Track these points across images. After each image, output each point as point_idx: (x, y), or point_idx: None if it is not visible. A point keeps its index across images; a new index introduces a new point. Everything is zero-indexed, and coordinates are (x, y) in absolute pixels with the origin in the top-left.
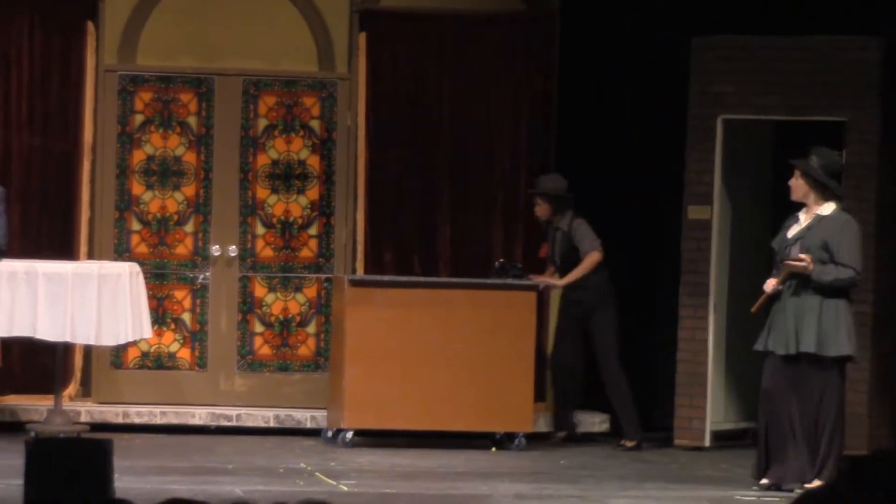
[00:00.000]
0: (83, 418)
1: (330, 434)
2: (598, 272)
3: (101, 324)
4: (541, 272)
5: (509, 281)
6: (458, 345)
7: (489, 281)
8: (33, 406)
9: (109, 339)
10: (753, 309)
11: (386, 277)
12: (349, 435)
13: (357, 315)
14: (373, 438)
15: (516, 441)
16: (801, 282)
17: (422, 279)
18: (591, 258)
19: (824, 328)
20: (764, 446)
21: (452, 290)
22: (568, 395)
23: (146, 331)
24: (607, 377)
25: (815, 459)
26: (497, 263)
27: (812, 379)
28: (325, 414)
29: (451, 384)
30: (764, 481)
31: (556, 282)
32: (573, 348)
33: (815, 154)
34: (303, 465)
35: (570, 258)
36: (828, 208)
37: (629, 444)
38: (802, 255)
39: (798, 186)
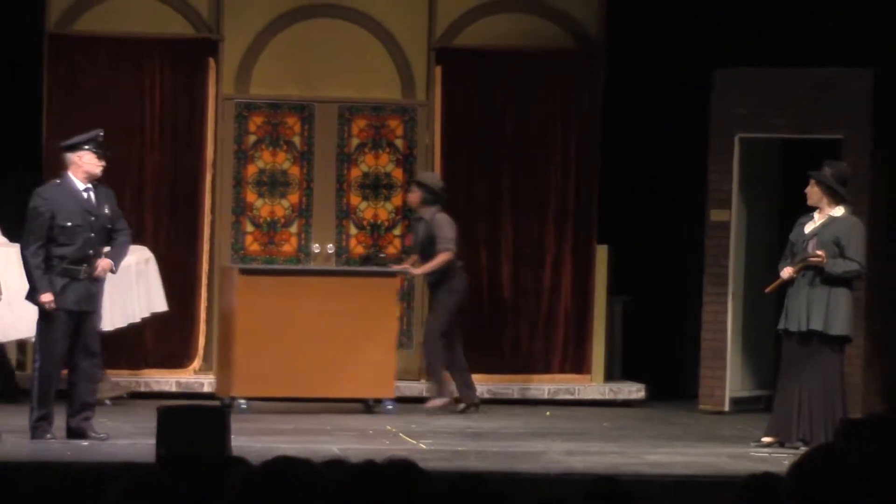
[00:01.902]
0: (205, 388)
1: (227, 401)
2: (450, 266)
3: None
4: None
5: (374, 268)
6: (333, 324)
7: (356, 269)
8: (164, 378)
9: (120, 322)
10: (768, 290)
11: (271, 266)
12: (242, 402)
13: (246, 300)
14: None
15: (385, 405)
16: (815, 272)
17: (300, 267)
18: (441, 257)
19: (831, 311)
20: (775, 410)
21: (328, 277)
22: (455, 366)
23: (158, 305)
24: (425, 346)
25: (817, 422)
26: (365, 253)
27: (818, 353)
28: (410, 384)
29: (327, 358)
30: (769, 439)
31: (413, 270)
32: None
33: (828, 166)
34: (388, 427)
35: (429, 248)
36: (838, 211)
37: (436, 403)
38: (819, 252)
39: (813, 193)
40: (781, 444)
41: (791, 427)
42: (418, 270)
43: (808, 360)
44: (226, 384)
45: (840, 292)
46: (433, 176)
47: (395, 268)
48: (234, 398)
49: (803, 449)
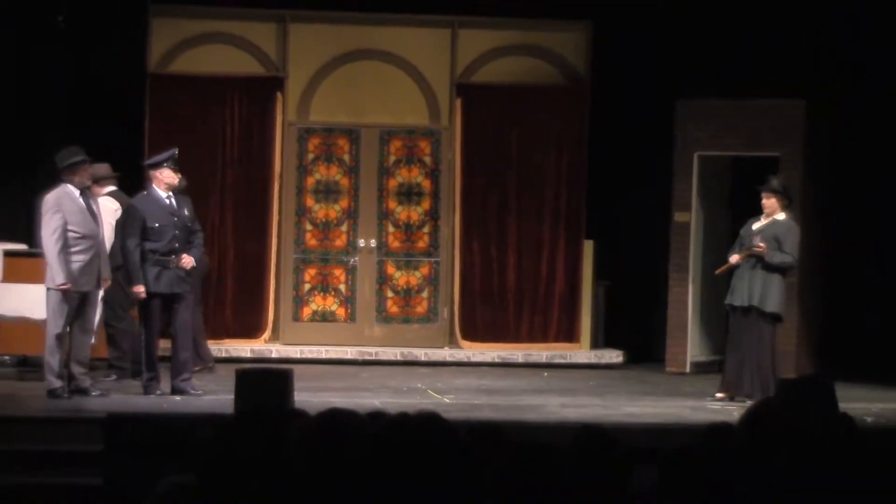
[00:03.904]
0: (273, 355)
1: None
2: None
3: None
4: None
5: None
6: None
7: None
8: (241, 346)
9: None
10: (718, 272)
11: (22, 247)
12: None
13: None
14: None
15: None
16: (756, 259)
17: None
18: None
19: (766, 291)
20: (725, 371)
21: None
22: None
23: None
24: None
25: (755, 381)
26: None
27: (756, 325)
28: (436, 351)
29: None
30: (721, 395)
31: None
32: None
33: (774, 178)
34: (419, 385)
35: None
36: (782, 215)
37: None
38: (761, 244)
39: (771, 204)
40: (731, 399)
41: (737, 385)
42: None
43: (749, 331)
44: None
45: (774, 277)
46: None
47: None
48: None
49: (748, 403)
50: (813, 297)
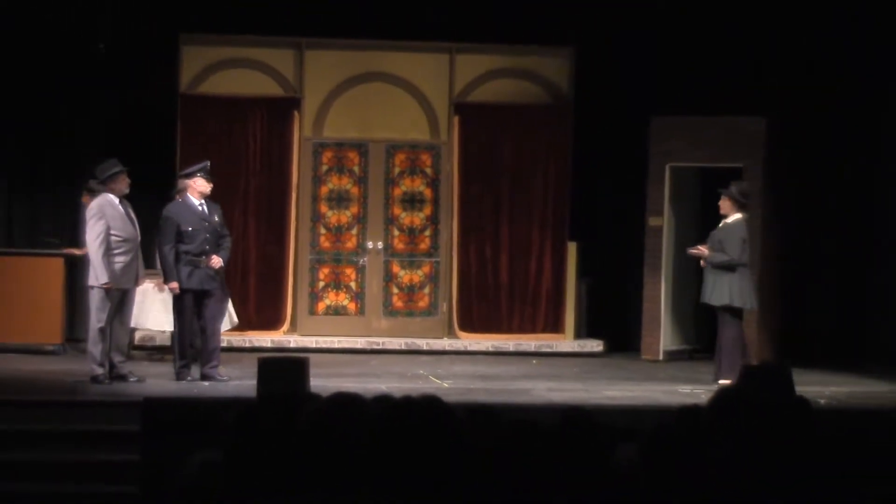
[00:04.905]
0: (291, 345)
1: None
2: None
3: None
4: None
5: (43, 250)
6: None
7: (26, 250)
8: (262, 337)
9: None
10: (689, 251)
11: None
12: None
13: None
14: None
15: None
16: (707, 261)
17: None
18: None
19: (714, 287)
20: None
21: (4, 257)
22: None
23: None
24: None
25: (726, 366)
26: (42, 239)
27: (720, 318)
28: (437, 341)
29: None
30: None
31: (77, 251)
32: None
33: (734, 184)
34: (421, 371)
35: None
36: (732, 218)
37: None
38: (701, 247)
39: (724, 204)
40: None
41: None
42: (82, 251)
43: (720, 323)
44: None
45: (722, 275)
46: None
47: (68, 250)
48: None
49: (716, 387)
50: (772, 292)
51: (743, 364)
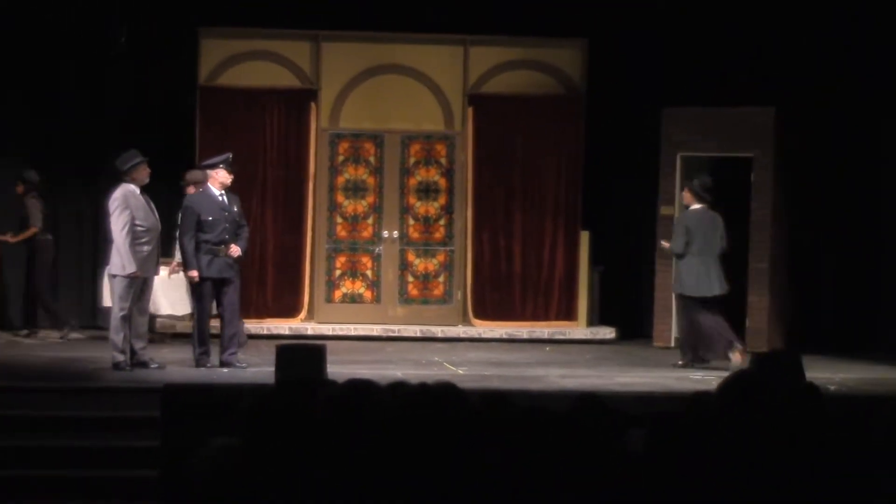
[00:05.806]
0: (309, 332)
1: None
2: (39, 235)
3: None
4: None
5: None
6: None
7: None
8: (280, 325)
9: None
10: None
11: None
12: None
13: None
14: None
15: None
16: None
17: None
18: (30, 230)
19: (677, 276)
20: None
21: None
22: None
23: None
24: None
25: (688, 354)
26: None
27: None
28: (451, 328)
29: None
30: (680, 363)
31: (9, 239)
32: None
33: (696, 177)
34: (436, 358)
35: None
36: (693, 208)
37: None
38: (664, 242)
39: (685, 196)
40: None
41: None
42: (13, 239)
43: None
44: None
45: (678, 264)
46: (30, 173)
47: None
48: None
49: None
50: (782, 281)
51: (726, 342)
